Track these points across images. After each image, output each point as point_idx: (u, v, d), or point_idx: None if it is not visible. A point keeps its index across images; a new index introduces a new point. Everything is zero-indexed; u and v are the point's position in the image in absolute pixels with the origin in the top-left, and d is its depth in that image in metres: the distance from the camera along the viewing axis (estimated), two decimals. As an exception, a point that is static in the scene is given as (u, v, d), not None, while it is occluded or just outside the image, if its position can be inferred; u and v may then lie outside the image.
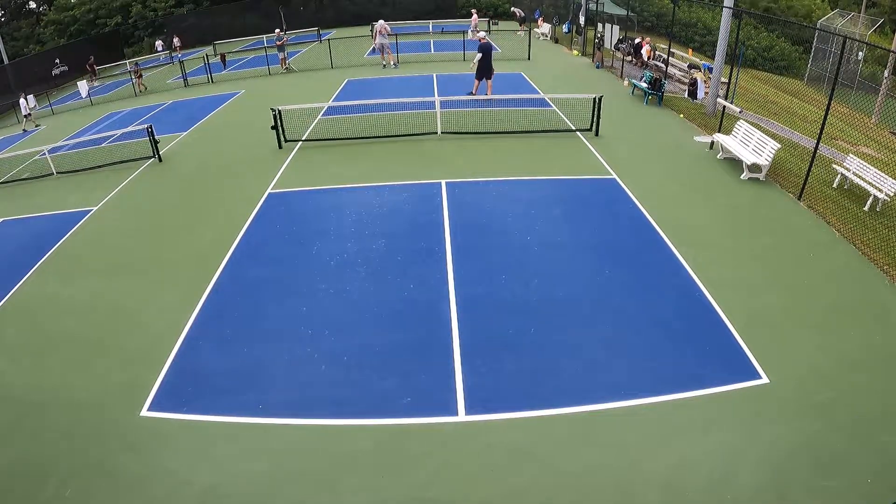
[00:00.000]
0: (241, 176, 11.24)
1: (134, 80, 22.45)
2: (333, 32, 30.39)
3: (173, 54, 26.64)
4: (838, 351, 5.74)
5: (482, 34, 15.56)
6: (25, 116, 19.81)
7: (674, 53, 17.63)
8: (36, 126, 19.57)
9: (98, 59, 28.94)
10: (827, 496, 4.19)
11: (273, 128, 12.40)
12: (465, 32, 27.10)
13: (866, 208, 8.72)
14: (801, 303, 6.53)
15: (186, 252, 8.40)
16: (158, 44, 27.32)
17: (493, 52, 15.01)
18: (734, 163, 10.50)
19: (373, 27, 29.17)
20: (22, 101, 19.88)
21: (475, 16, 27.99)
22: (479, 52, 14.92)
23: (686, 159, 11.04)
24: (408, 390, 5.47)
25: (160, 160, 12.57)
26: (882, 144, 12.59)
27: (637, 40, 19.90)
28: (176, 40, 29.16)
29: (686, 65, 17.83)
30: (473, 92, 15.19)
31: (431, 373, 5.68)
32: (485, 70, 14.99)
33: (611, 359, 5.76)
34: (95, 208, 10.34)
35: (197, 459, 4.86)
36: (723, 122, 11.57)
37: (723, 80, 13.41)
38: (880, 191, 8.52)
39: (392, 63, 21.07)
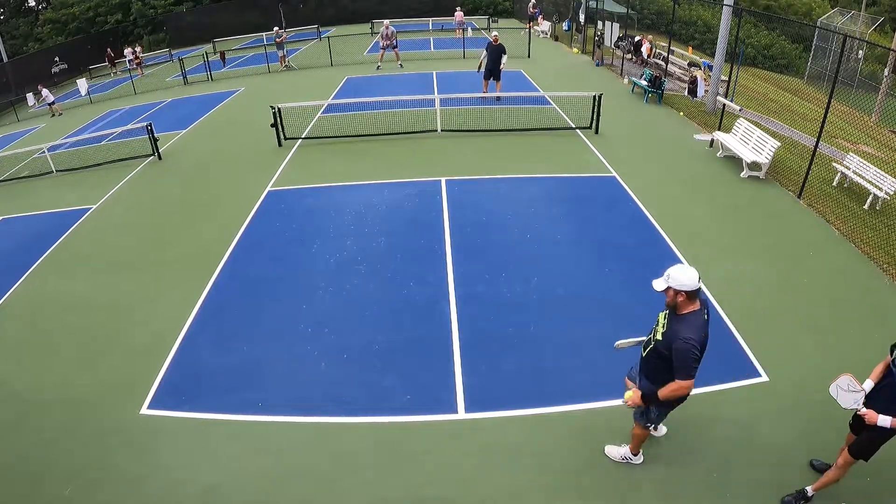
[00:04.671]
0: (240, 174, 11.24)
1: (136, 75, 22.54)
2: (333, 30, 30.34)
3: (136, 65, 26.48)
4: (838, 349, 5.74)
5: (495, 34, 15.39)
6: (50, 104, 20.36)
7: (674, 51, 17.60)
8: (57, 114, 20.17)
9: (97, 57, 28.97)
10: (826, 495, 4.20)
11: (273, 125, 12.39)
12: (455, 30, 26.92)
13: (866, 207, 8.71)
14: (800, 301, 6.54)
15: (186, 250, 8.40)
16: (128, 51, 27.42)
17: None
18: (734, 161, 10.49)
19: (373, 25, 29.23)
20: (45, 91, 20.50)
21: (459, 13, 27.67)
22: (485, 51, 14.86)
23: (686, 157, 11.03)
24: (407, 388, 5.48)
25: (160, 158, 12.56)
26: (882, 143, 12.57)
27: (637, 38, 19.88)
28: (138, 49, 28.71)
29: (686, 63, 17.80)
30: (485, 91, 15.04)
31: (431, 371, 5.68)
32: (489, 71, 14.90)
33: (610, 357, 5.73)
34: (95, 206, 10.33)
35: (197, 457, 4.86)
36: (723, 121, 11.56)
37: (723, 78, 13.40)
38: (880, 189, 8.52)
39: (387, 62, 20.68)
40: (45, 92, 20.61)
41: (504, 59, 14.65)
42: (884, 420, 3.60)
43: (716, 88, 13.40)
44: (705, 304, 3.84)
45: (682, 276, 3.67)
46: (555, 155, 11.19)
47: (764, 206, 8.88)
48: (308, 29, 31.02)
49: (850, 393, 3.79)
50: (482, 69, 14.93)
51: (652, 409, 4.09)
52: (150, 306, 7.07)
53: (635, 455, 4.57)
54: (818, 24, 22.37)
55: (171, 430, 5.16)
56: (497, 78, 14.84)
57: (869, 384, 3.81)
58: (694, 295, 3.71)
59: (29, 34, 35.10)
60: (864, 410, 3.71)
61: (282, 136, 12.56)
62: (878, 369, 3.84)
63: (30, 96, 23.13)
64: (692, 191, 9.52)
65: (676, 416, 5.01)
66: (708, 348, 5.82)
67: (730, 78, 13.21)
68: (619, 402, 5.17)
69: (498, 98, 14.69)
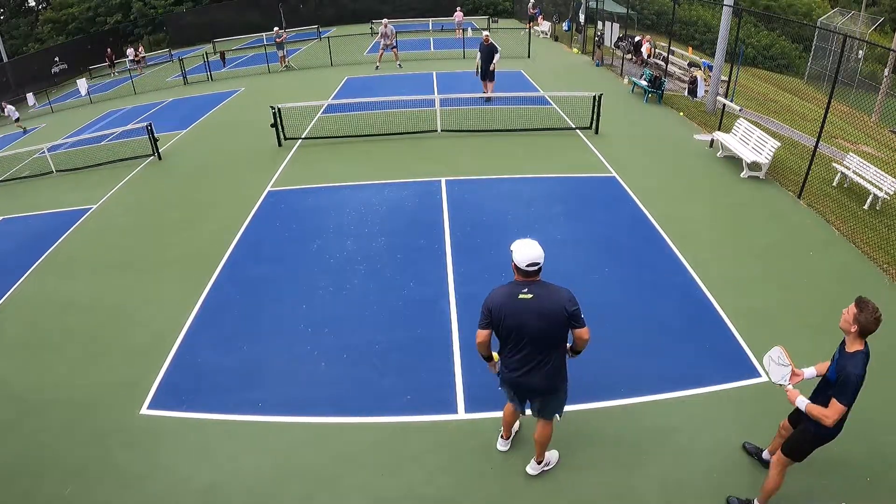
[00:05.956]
0: (240, 174, 11.24)
1: (136, 75, 22.54)
2: (333, 30, 30.35)
3: (136, 63, 26.37)
4: (838, 349, 5.74)
5: (485, 34, 15.35)
6: (15, 121, 19.48)
7: (674, 51, 17.60)
8: (24, 130, 19.14)
9: (97, 57, 28.99)
10: (826, 495, 4.20)
11: (273, 126, 12.39)
12: (455, 30, 26.85)
13: (866, 207, 8.72)
14: (800, 301, 6.54)
15: (186, 250, 8.40)
16: (130, 51, 27.39)
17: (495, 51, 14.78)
18: (734, 161, 10.49)
19: (373, 25, 29.22)
20: (10, 107, 19.59)
21: (459, 13, 27.55)
22: (478, 52, 14.87)
23: (686, 157, 11.03)
24: (407, 388, 5.47)
25: (160, 158, 12.56)
26: (882, 143, 12.58)
27: (637, 38, 19.89)
28: (140, 48, 28.61)
29: (686, 63, 17.81)
30: (485, 90, 14.94)
31: (431, 370, 5.68)
32: (483, 71, 14.91)
33: (610, 357, 5.75)
34: (95, 206, 10.33)
35: (196, 457, 4.86)
36: (723, 121, 11.56)
37: (723, 78, 13.40)
38: (880, 189, 8.52)
39: (386, 62, 20.70)
40: (8, 109, 19.53)
41: (496, 57, 14.63)
42: (801, 401, 3.52)
43: (716, 88, 13.40)
44: (534, 290, 3.59)
45: (518, 248, 3.56)
46: (555, 155, 11.19)
47: (764, 206, 8.88)
48: (308, 29, 31.04)
49: (779, 367, 3.74)
50: (479, 71, 14.96)
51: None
52: (150, 306, 7.06)
53: (503, 437, 4.73)
54: (818, 24, 22.39)
55: (171, 430, 5.16)
56: (491, 78, 14.83)
57: (811, 372, 3.77)
58: (520, 271, 3.58)
59: (29, 34, 35.09)
60: (788, 387, 3.62)
61: (282, 136, 12.56)
62: (826, 363, 3.74)
63: (29, 96, 23.14)
64: (692, 191, 9.51)
65: (676, 414, 5.03)
66: (707, 348, 5.88)
67: (730, 78, 13.21)
68: (617, 402, 5.20)
69: (488, 99, 14.66)
